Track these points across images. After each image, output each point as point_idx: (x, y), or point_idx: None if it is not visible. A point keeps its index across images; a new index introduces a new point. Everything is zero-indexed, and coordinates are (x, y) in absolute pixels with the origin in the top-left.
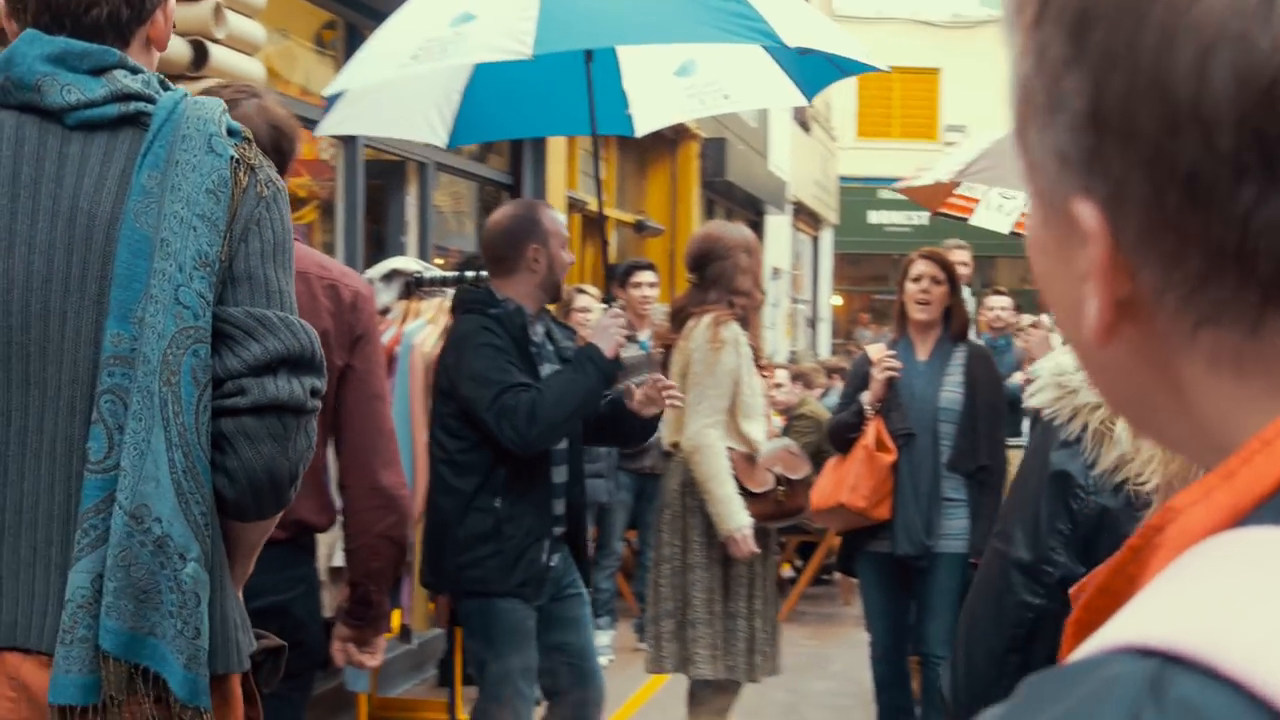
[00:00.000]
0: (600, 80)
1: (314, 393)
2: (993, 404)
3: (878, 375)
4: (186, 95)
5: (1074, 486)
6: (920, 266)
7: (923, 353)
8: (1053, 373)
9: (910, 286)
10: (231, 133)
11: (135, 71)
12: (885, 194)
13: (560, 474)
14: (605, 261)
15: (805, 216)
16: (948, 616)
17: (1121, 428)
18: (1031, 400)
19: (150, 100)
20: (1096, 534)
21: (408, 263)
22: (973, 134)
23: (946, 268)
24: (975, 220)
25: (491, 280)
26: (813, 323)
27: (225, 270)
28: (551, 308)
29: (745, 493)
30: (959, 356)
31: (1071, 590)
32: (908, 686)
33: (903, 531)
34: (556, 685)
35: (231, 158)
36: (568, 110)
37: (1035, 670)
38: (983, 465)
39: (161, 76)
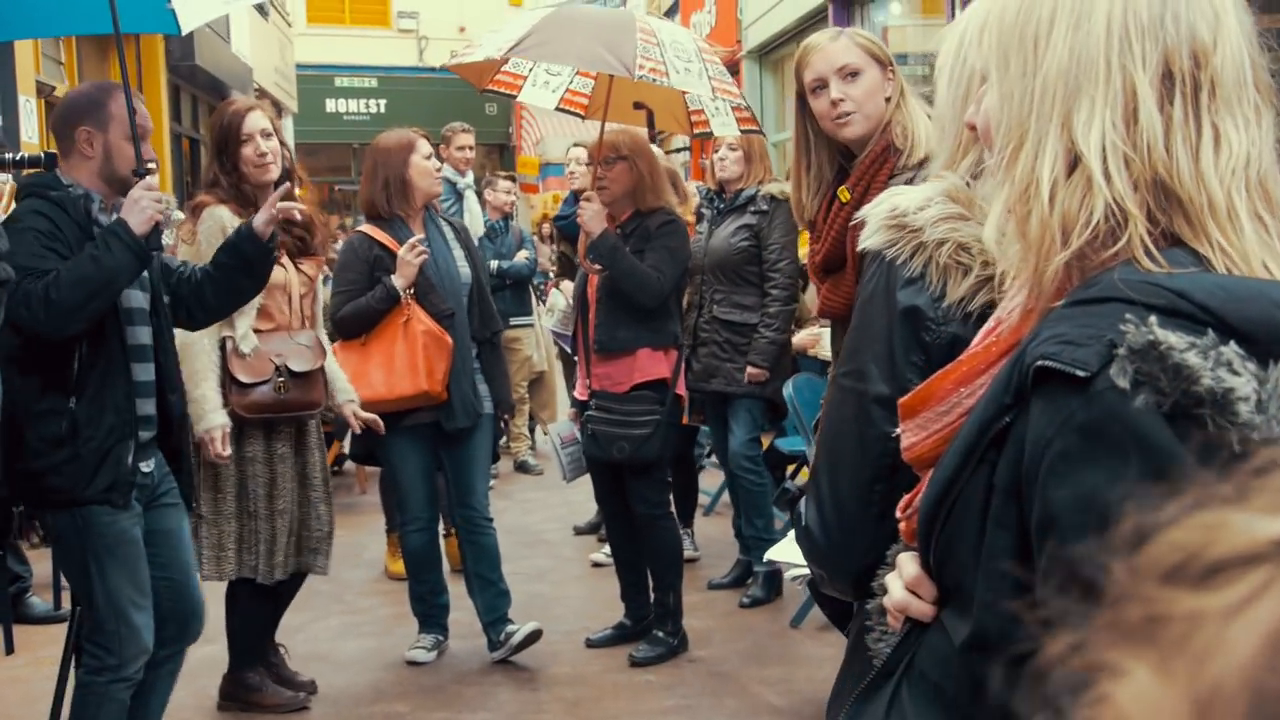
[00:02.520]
0: None
1: None
2: (485, 273)
3: (413, 259)
4: None
5: (925, 320)
6: (426, 145)
7: (418, 229)
8: (887, 215)
9: (425, 163)
10: None
11: None
12: (342, 81)
13: (144, 371)
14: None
15: (268, 104)
16: (485, 478)
17: (976, 260)
18: (866, 243)
19: None
20: (946, 359)
21: None
22: (424, 20)
23: (436, 150)
24: (523, 96)
25: (60, 163)
26: None
27: None
28: None
29: (236, 384)
30: (449, 232)
31: (900, 506)
32: (440, 563)
33: (460, 405)
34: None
35: None
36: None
37: (899, 496)
38: (496, 331)
39: None
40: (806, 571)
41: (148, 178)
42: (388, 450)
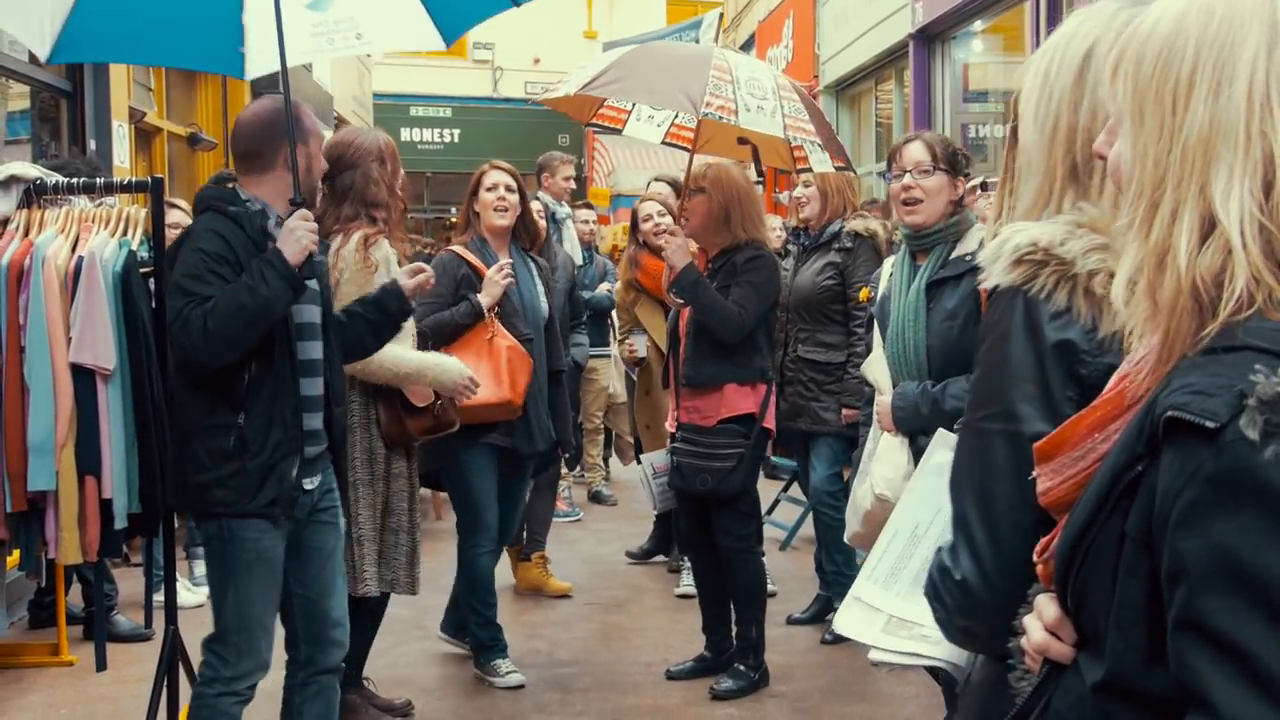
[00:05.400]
0: (215, 8)
1: None
2: (562, 309)
3: (500, 279)
4: None
5: (1079, 353)
6: (495, 175)
7: (503, 258)
8: (1026, 250)
9: (487, 195)
10: None
11: None
12: (417, 111)
13: (313, 386)
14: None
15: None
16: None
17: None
18: (996, 279)
19: None
20: (1099, 391)
21: (27, 169)
22: (500, 51)
23: (516, 177)
24: (628, 130)
25: (240, 179)
26: None
27: None
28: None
29: (408, 408)
30: (533, 266)
31: (1036, 550)
32: None
33: (538, 429)
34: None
35: None
36: (182, 38)
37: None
38: (561, 369)
39: None
40: (889, 656)
41: (303, 209)
42: (464, 465)
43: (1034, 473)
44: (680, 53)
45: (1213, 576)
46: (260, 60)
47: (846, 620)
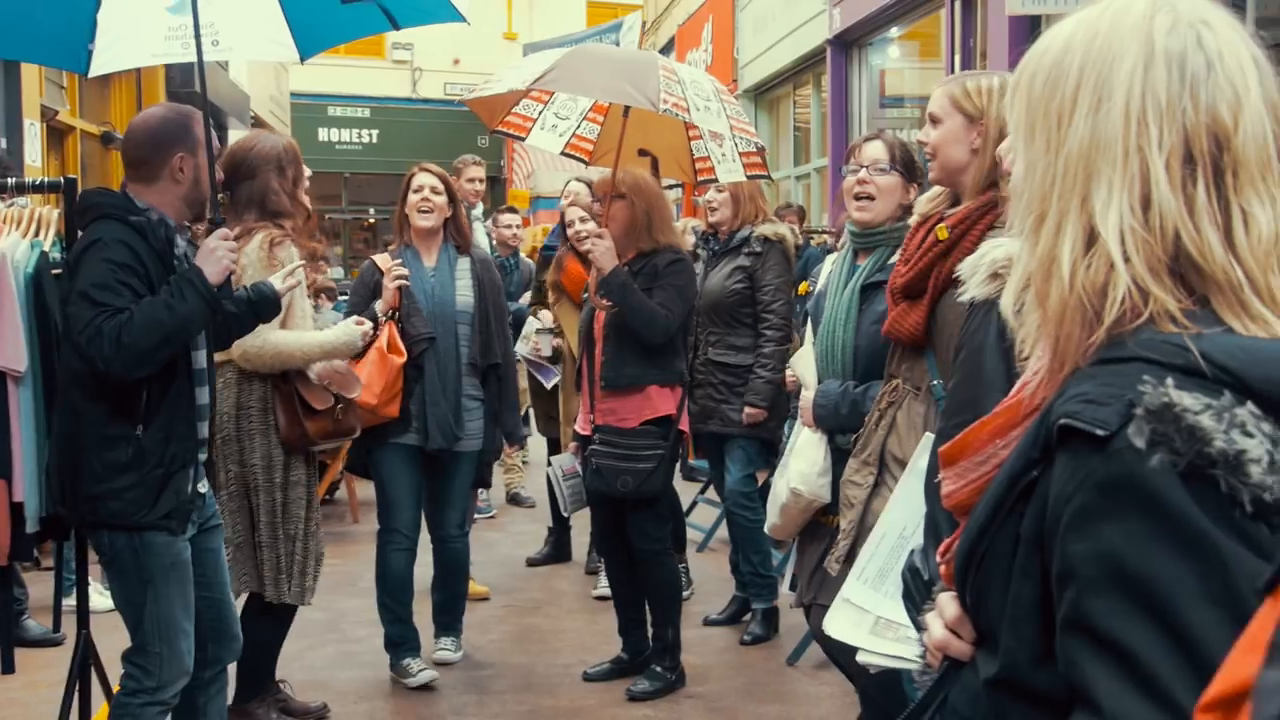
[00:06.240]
0: (75, 2)
1: None
2: (499, 305)
3: (389, 284)
4: None
5: None
6: (421, 178)
7: (429, 260)
8: (1002, 264)
9: (413, 197)
10: None
11: None
12: (335, 111)
13: (203, 394)
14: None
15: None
16: (462, 504)
17: None
18: (973, 293)
19: None
20: None
21: None
22: (419, 51)
23: (444, 180)
24: (531, 139)
25: (129, 185)
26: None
27: None
28: None
29: (308, 410)
30: (464, 263)
31: (939, 550)
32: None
33: (435, 426)
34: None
35: None
36: (35, 32)
37: None
38: (495, 363)
39: None
40: (876, 659)
41: (223, 228)
42: (376, 465)
43: (939, 476)
44: (625, 55)
45: (1099, 579)
46: (106, 58)
47: (835, 622)
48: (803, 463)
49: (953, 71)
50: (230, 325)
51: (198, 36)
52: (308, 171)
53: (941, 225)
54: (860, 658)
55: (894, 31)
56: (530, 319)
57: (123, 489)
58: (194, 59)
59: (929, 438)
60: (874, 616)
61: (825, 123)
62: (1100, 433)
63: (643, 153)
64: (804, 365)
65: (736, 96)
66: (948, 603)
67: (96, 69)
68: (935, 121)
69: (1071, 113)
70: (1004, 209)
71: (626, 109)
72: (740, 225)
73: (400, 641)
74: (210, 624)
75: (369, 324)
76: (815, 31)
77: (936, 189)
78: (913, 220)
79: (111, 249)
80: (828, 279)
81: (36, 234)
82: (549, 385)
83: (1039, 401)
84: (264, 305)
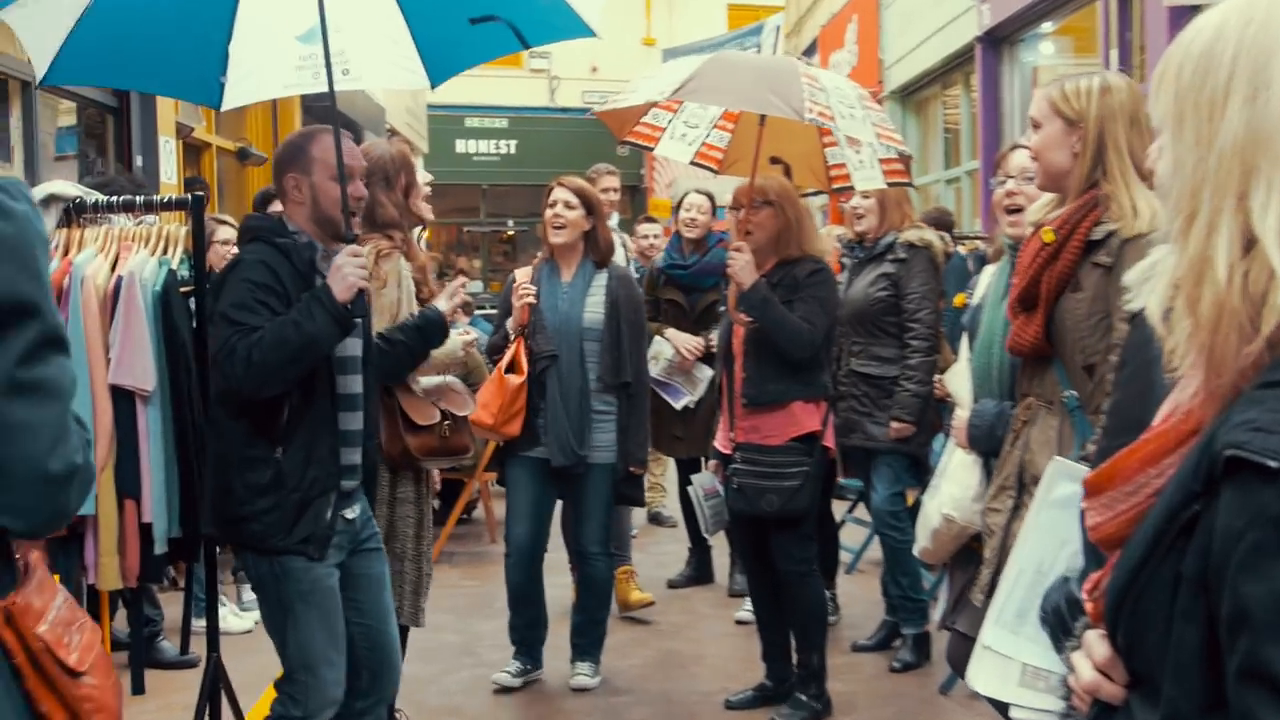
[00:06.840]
0: (206, 34)
1: None
2: (635, 323)
3: (516, 301)
4: None
5: None
6: (555, 193)
7: (567, 275)
8: None
9: (547, 212)
10: None
11: None
12: (472, 122)
13: (353, 420)
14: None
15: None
16: (599, 518)
17: None
18: (1142, 302)
19: None
20: None
21: (66, 187)
22: (556, 60)
23: (580, 193)
24: (659, 150)
25: (283, 209)
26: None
27: None
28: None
29: (410, 426)
30: (600, 279)
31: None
32: (542, 597)
33: (556, 444)
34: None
35: None
36: (169, 65)
37: None
38: (626, 381)
39: None
40: (1032, 716)
41: (353, 245)
42: (506, 479)
43: (1082, 506)
44: (765, 63)
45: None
46: (238, 90)
47: (980, 676)
48: (955, 487)
49: (1108, 67)
50: (400, 355)
51: (329, 66)
52: (427, 178)
53: (1046, 228)
54: (1014, 714)
55: (1047, 26)
56: (659, 339)
57: (261, 511)
58: (324, 88)
59: (1062, 463)
60: (1020, 664)
61: (976, 124)
62: (1272, 465)
63: (775, 160)
64: (959, 383)
65: (882, 99)
66: (1097, 643)
67: (229, 102)
68: (1036, 126)
69: (1224, 104)
70: (1105, 208)
71: (762, 117)
72: (886, 232)
73: (515, 644)
74: (364, 652)
75: (475, 334)
76: (964, 28)
77: (1046, 196)
78: (1027, 230)
79: (251, 269)
80: (985, 292)
81: (164, 252)
82: (678, 405)
83: (1194, 424)
84: (431, 330)
